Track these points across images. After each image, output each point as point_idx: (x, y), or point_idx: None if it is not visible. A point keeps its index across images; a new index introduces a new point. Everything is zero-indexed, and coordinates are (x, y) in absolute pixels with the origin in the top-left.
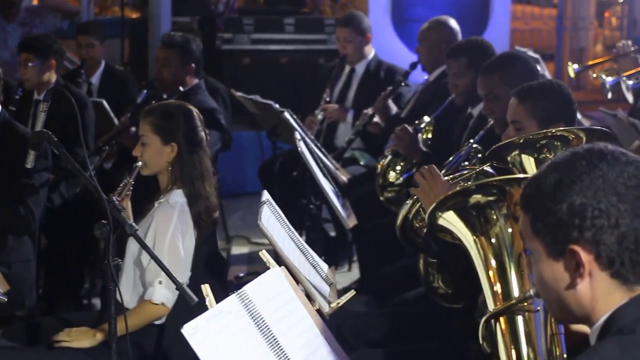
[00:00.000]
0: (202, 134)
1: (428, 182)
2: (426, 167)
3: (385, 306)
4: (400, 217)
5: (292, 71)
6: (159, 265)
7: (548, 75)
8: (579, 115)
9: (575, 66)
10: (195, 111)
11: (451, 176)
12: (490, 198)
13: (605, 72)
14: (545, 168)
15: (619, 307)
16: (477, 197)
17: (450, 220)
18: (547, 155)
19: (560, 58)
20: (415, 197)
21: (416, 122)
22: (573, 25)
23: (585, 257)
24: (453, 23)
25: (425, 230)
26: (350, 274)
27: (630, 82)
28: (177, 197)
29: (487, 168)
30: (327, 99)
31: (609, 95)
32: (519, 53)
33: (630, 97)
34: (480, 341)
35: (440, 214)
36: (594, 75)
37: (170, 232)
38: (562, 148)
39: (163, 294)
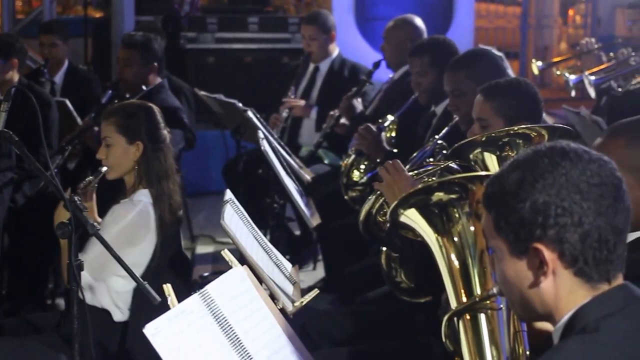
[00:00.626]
0: (165, 131)
1: (392, 177)
2: (390, 162)
3: (350, 305)
4: (363, 212)
5: (256, 70)
6: (121, 265)
7: (512, 73)
8: (542, 113)
9: (539, 63)
10: (156, 109)
11: (415, 172)
12: (453, 196)
13: (568, 69)
14: (508, 166)
15: (582, 305)
16: (439, 195)
17: (412, 217)
18: (510, 153)
19: (524, 56)
20: (378, 191)
21: (380, 120)
22: (537, 24)
23: (548, 255)
24: (418, 22)
25: (388, 225)
26: (315, 273)
27: (593, 78)
28: (142, 196)
29: (451, 164)
30: (292, 97)
31: (573, 93)
32: (486, 50)
33: (592, 93)
34: (443, 339)
35: (402, 211)
36: (558, 72)
37: (119, 227)
38: (525, 146)
39: None
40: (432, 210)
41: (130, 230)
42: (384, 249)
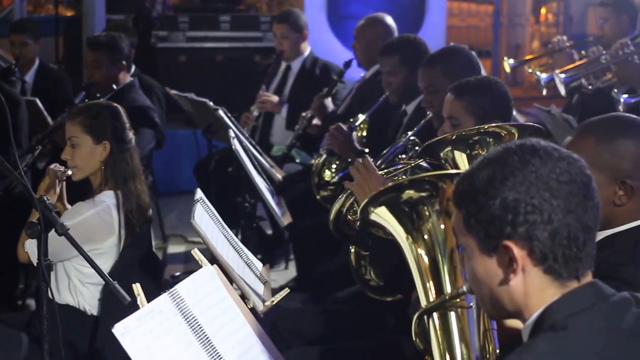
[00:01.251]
0: (130, 132)
1: (362, 176)
2: (361, 160)
3: (322, 304)
4: (333, 211)
5: (228, 69)
6: (91, 265)
7: (484, 72)
8: (514, 112)
9: (511, 61)
10: (121, 109)
11: (386, 170)
12: (423, 194)
13: (540, 68)
14: (478, 164)
15: (552, 303)
16: (409, 193)
17: (382, 215)
18: (480, 151)
19: (496, 55)
20: (349, 190)
21: (351, 120)
22: (509, 22)
23: (518, 252)
24: (389, 20)
25: (358, 223)
26: (287, 272)
27: (563, 76)
28: (106, 197)
29: (422, 163)
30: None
31: (544, 92)
32: (461, 47)
33: (563, 90)
34: (414, 337)
35: (372, 209)
36: (530, 70)
37: (72, 223)
38: (495, 144)
39: None
40: (402, 208)
41: (85, 228)
42: (353, 248)
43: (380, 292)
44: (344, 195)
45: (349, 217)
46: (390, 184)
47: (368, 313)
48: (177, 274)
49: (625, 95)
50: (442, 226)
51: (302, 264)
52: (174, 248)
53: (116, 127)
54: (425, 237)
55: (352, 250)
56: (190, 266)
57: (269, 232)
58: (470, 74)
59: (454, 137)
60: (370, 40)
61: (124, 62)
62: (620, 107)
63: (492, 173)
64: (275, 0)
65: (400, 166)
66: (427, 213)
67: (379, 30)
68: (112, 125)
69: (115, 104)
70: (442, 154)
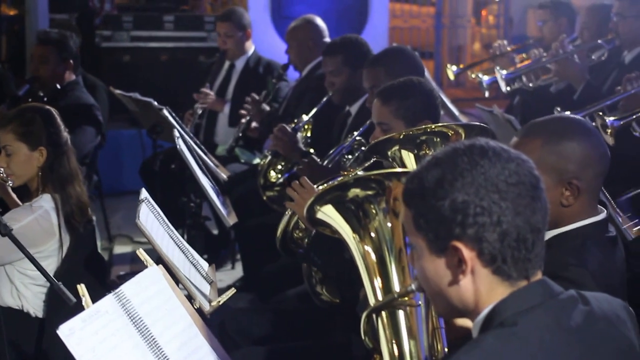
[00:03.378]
0: (65, 133)
1: (301, 195)
2: (297, 181)
3: (269, 303)
4: (279, 230)
5: (172, 68)
6: (36, 266)
7: (427, 73)
8: (457, 112)
9: (454, 68)
10: (54, 111)
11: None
12: (369, 192)
13: (482, 71)
14: (427, 163)
15: (501, 300)
16: (355, 191)
17: (328, 214)
18: (427, 151)
19: (439, 56)
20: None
21: (295, 121)
22: (451, 24)
23: (467, 253)
24: (319, 21)
25: (306, 241)
26: (234, 272)
27: (504, 72)
28: (43, 202)
29: (359, 172)
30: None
31: (487, 94)
32: (404, 48)
33: (504, 87)
34: (362, 336)
35: (318, 207)
36: (473, 75)
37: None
38: (442, 144)
39: None
40: (348, 207)
41: (24, 235)
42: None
43: (331, 305)
44: (288, 215)
45: (295, 234)
46: (335, 182)
47: (316, 312)
48: (124, 274)
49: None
50: (389, 224)
51: (249, 263)
52: (120, 248)
53: (51, 132)
54: (372, 235)
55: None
56: (136, 266)
57: (215, 232)
58: (413, 74)
59: (401, 136)
60: (301, 41)
61: (71, 61)
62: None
63: (442, 174)
64: (219, 0)
65: (340, 179)
66: (373, 211)
67: (309, 31)
68: (46, 131)
69: (48, 108)
70: (389, 153)
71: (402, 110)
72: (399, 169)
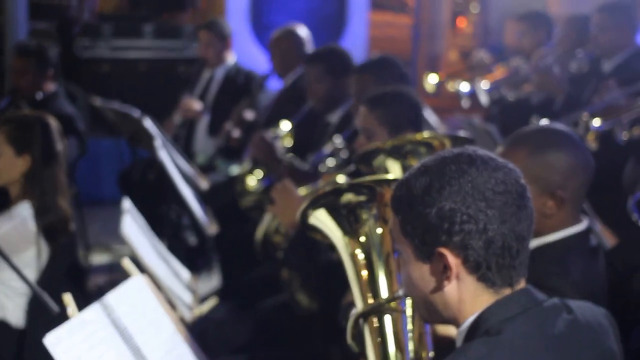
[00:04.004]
0: (59, 147)
1: (283, 199)
2: (280, 184)
3: (249, 312)
4: (259, 234)
5: (151, 78)
6: (19, 275)
7: None
8: (438, 121)
9: (434, 79)
10: (53, 124)
11: (307, 192)
12: (361, 198)
13: (461, 81)
14: (416, 171)
15: (486, 308)
16: (348, 197)
17: (321, 218)
18: (412, 161)
19: (415, 65)
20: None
21: (275, 129)
22: (428, 33)
23: (452, 260)
24: (302, 31)
25: (285, 245)
26: (211, 282)
27: (485, 86)
28: (22, 209)
29: (341, 178)
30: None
31: (466, 104)
32: (391, 57)
33: (484, 99)
34: (350, 340)
35: (311, 212)
36: (451, 90)
37: None
38: (428, 154)
39: None
40: (340, 212)
41: (2, 243)
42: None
43: (311, 311)
44: (269, 218)
45: (274, 238)
46: (328, 188)
47: (295, 321)
48: (102, 283)
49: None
50: (379, 230)
51: (227, 272)
52: (98, 258)
53: (44, 142)
54: (362, 239)
55: (286, 270)
56: (114, 276)
57: (192, 241)
58: (400, 83)
59: (387, 146)
60: (284, 51)
61: (50, 72)
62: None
63: (430, 181)
64: (198, 9)
65: (321, 183)
66: (364, 217)
67: (291, 40)
68: (39, 140)
69: (49, 119)
70: (376, 162)
71: (388, 118)
72: (390, 176)
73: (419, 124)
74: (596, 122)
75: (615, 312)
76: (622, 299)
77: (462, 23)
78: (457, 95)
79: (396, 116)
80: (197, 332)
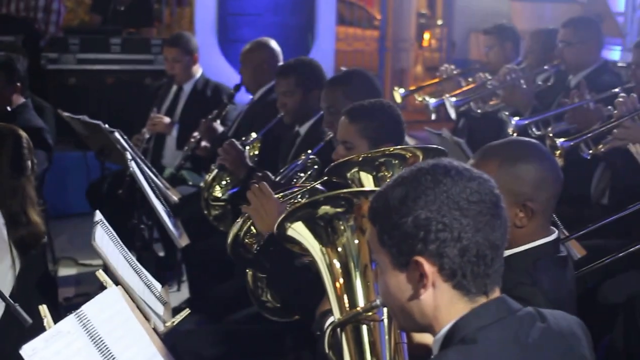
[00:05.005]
0: (29, 162)
1: (259, 200)
2: (257, 185)
3: (219, 325)
4: (231, 235)
5: (119, 91)
6: None
7: None
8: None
9: (402, 91)
10: (25, 138)
11: (282, 194)
12: (338, 209)
13: (428, 94)
14: (393, 182)
15: (462, 317)
16: (325, 209)
17: (298, 230)
18: (385, 173)
19: (382, 79)
20: (246, 214)
21: (243, 138)
22: (394, 47)
23: (428, 268)
24: (274, 44)
25: (256, 247)
26: (180, 294)
27: (454, 100)
28: None
29: (317, 185)
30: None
31: (433, 117)
32: (363, 70)
33: (453, 113)
34: (327, 350)
35: (289, 224)
36: (420, 99)
37: None
38: (400, 166)
39: None
40: (317, 223)
41: None
42: (250, 270)
43: (277, 314)
44: (242, 219)
45: (246, 240)
46: (304, 200)
47: (266, 333)
48: (71, 296)
49: (517, 118)
50: (356, 241)
51: (196, 285)
52: (65, 271)
53: (13, 155)
54: (340, 250)
55: (249, 272)
56: (82, 288)
57: (161, 254)
58: (371, 97)
59: (360, 158)
60: (256, 64)
61: (19, 84)
62: (510, 130)
63: (406, 192)
64: (164, 23)
65: (296, 189)
66: (342, 228)
67: (264, 54)
68: (9, 152)
69: (21, 132)
70: (349, 174)
71: (369, 131)
72: (367, 188)
73: (400, 138)
74: (562, 139)
75: (584, 323)
76: (590, 310)
77: (427, 38)
78: (426, 107)
79: (377, 129)
80: (169, 344)
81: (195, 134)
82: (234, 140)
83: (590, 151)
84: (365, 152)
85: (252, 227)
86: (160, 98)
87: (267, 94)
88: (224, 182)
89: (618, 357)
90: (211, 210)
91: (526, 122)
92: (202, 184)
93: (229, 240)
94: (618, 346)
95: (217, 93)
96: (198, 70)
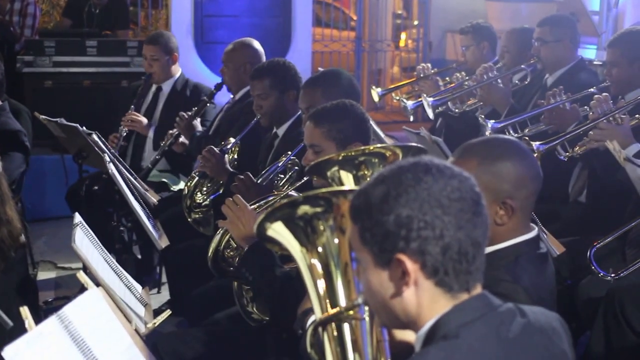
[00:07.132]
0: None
1: (235, 213)
2: (231, 198)
3: (200, 326)
4: (211, 249)
5: (95, 94)
6: None
7: None
8: (382, 135)
9: (379, 90)
10: None
11: (257, 205)
12: (317, 209)
13: (406, 95)
14: (373, 180)
15: (444, 314)
16: (304, 208)
17: (278, 231)
18: (366, 172)
19: (359, 79)
20: (224, 228)
21: (222, 143)
22: (371, 47)
23: (410, 266)
24: (257, 45)
25: (237, 260)
26: (160, 296)
27: (431, 100)
28: None
29: (291, 192)
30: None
31: (412, 118)
32: (342, 71)
33: (431, 113)
34: (309, 349)
35: (269, 225)
36: (397, 98)
37: None
38: (380, 164)
39: None
40: (297, 223)
41: None
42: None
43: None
44: (220, 233)
45: (226, 253)
46: (285, 200)
47: (247, 334)
48: (50, 299)
49: (492, 121)
50: (336, 240)
51: (176, 287)
52: (44, 274)
53: None
54: (320, 250)
55: (235, 283)
56: (61, 291)
57: (139, 256)
58: (350, 97)
59: (340, 157)
60: (238, 64)
61: None
62: (487, 133)
63: (387, 190)
64: (140, 26)
65: (271, 198)
66: (321, 228)
67: (247, 54)
68: None
69: None
70: (329, 173)
71: (334, 133)
72: (346, 187)
73: (367, 136)
74: (538, 142)
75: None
76: (569, 307)
77: (404, 38)
78: (404, 108)
79: (342, 130)
80: (150, 346)
81: (173, 130)
82: (212, 147)
83: (567, 153)
84: (345, 151)
85: (232, 240)
86: (139, 98)
87: (248, 94)
88: (205, 189)
89: (598, 351)
90: (193, 215)
91: (502, 124)
92: (184, 191)
93: (210, 254)
94: (598, 340)
95: (197, 93)
96: (177, 70)
